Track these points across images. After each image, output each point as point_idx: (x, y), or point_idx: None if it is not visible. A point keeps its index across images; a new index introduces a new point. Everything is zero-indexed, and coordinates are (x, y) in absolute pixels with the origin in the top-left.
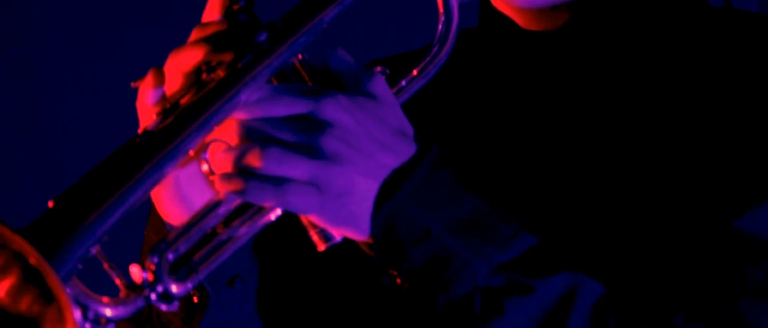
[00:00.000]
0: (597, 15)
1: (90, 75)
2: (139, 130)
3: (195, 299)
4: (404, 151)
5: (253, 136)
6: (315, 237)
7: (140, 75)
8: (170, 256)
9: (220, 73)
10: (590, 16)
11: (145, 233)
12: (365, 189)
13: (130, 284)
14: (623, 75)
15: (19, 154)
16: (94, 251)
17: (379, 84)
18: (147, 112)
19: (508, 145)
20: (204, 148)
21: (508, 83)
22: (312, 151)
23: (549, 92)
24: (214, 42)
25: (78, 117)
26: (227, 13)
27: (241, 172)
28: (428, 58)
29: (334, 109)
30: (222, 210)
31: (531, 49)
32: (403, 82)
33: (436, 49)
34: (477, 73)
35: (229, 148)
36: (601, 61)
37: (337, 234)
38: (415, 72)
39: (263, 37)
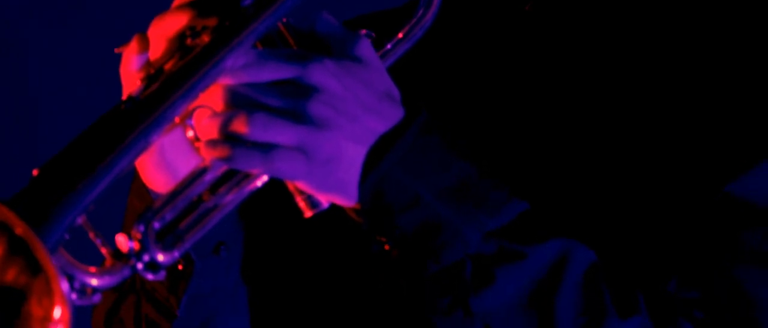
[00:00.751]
0: None
1: (76, 47)
2: (124, 97)
3: (180, 267)
4: (392, 115)
5: (239, 101)
6: (301, 203)
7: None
8: (156, 224)
9: (205, 38)
10: None
11: (128, 199)
12: (353, 154)
13: (117, 253)
14: (614, 32)
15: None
16: (80, 220)
17: (365, 47)
18: (131, 78)
19: (497, 106)
20: (189, 114)
21: (494, 42)
22: (299, 116)
23: (537, 50)
24: (198, 6)
25: (62, 90)
26: None
27: (227, 138)
28: (413, 21)
29: (321, 74)
30: (208, 177)
31: (517, 5)
32: (389, 46)
33: (421, 11)
34: (462, 32)
35: (215, 114)
36: (592, 16)
37: (325, 200)
38: (400, 35)
39: (248, 1)
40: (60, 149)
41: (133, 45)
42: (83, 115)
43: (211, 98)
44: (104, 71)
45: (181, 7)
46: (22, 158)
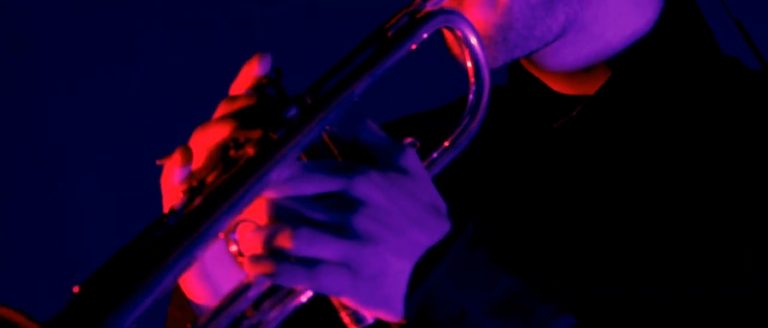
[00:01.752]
0: (633, 80)
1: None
2: (165, 210)
3: None
4: (438, 228)
5: (283, 215)
6: (346, 319)
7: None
8: None
9: (249, 150)
10: (625, 82)
11: (169, 310)
12: (399, 269)
13: None
14: (658, 143)
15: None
16: None
17: (410, 158)
18: (173, 190)
19: (543, 217)
20: (233, 228)
21: (540, 150)
22: (344, 231)
23: (582, 159)
24: (241, 118)
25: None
26: (256, 87)
27: (272, 253)
28: (459, 129)
29: (366, 187)
30: (252, 293)
31: (564, 114)
32: (435, 154)
33: (466, 120)
34: (508, 138)
35: (259, 228)
36: (639, 128)
37: (370, 316)
38: (446, 144)
39: (292, 112)
40: (101, 264)
41: (176, 157)
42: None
43: (255, 212)
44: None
45: (223, 118)
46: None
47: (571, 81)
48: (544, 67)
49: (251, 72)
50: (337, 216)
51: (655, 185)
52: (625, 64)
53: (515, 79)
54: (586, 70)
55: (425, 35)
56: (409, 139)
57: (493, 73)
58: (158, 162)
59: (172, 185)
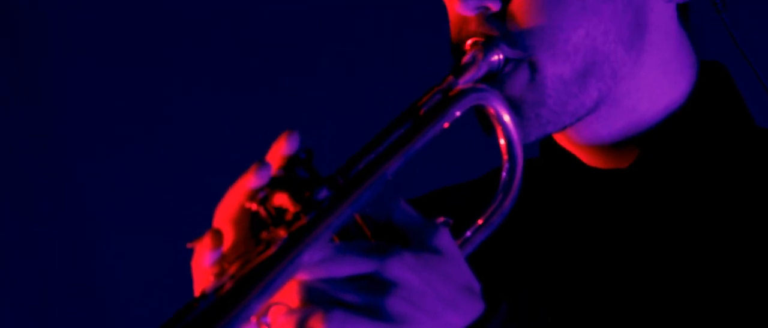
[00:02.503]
0: (665, 156)
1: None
2: (197, 293)
3: None
4: (472, 309)
5: (315, 298)
6: None
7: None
8: None
9: (281, 233)
10: (659, 156)
11: None
12: None
13: None
14: (695, 217)
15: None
16: None
17: (443, 238)
18: (203, 273)
19: (579, 295)
20: (265, 311)
21: (573, 225)
22: (377, 313)
23: (618, 235)
24: (271, 198)
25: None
26: (286, 166)
27: None
28: (492, 208)
29: (399, 268)
30: None
31: (598, 188)
32: (468, 233)
33: (500, 197)
34: (541, 213)
35: (291, 311)
36: (675, 204)
37: None
38: (479, 221)
39: (324, 193)
40: None
41: (207, 241)
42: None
43: (287, 294)
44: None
45: (250, 196)
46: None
47: (605, 155)
48: (577, 141)
49: (280, 151)
50: (370, 298)
51: (691, 263)
52: (658, 139)
53: (548, 154)
54: (620, 144)
55: (458, 113)
56: (441, 219)
57: (527, 145)
58: (189, 245)
59: (203, 268)
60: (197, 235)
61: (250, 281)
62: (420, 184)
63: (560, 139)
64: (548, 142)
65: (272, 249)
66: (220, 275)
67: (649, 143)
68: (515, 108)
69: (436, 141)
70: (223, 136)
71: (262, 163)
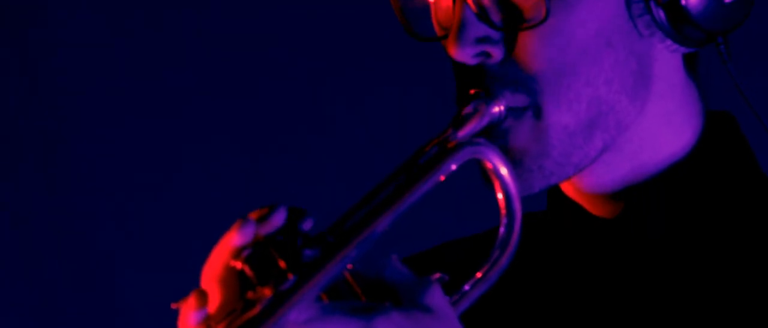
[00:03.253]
0: (660, 204)
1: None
2: None
3: None
4: None
5: None
6: None
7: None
8: None
9: (266, 292)
10: (651, 206)
11: None
12: None
13: None
14: (699, 274)
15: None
16: None
17: (435, 296)
18: None
19: None
20: None
21: (575, 281)
22: None
23: (620, 292)
24: (258, 258)
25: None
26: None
27: None
28: (489, 264)
29: None
30: None
31: (599, 238)
32: (466, 288)
33: (496, 253)
34: (544, 269)
35: None
36: (669, 254)
37: None
38: (476, 277)
39: (311, 252)
40: None
41: (191, 301)
42: None
43: None
44: None
45: (235, 255)
46: None
47: (610, 203)
48: (581, 188)
49: (266, 227)
50: None
51: (695, 321)
52: (656, 188)
53: (553, 203)
54: (623, 193)
55: (454, 167)
56: (436, 275)
57: (534, 196)
58: (173, 306)
59: None
60: (207, 239)
61: None
62: (426, 234)
63: (565, 186)
64: (554, 191)
65: (257, 308)
66: None
67: (646, 193)
68: (518, 160)
69: (440, 190)
70: (232, 139)
71: (246, 220)
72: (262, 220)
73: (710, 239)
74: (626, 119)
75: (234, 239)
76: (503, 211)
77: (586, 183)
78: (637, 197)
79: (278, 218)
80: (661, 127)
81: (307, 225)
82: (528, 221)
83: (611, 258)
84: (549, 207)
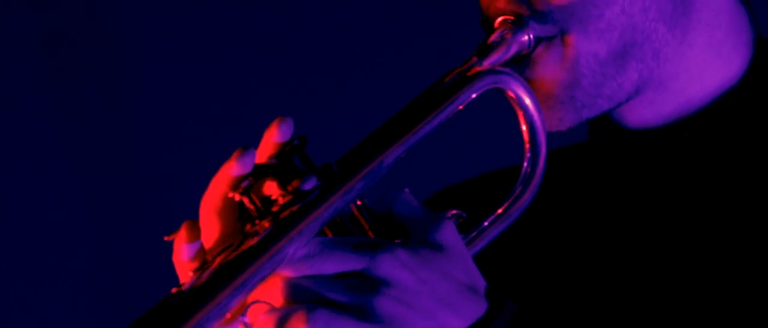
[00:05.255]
0: (716, 138)
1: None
2: (174, 289)
3: None
4: (472, 311)
5: (299, 296)
6: None
7: None
8: None
9: (266, 224)
10: (702, 144)
11: None
12: None
13: None
14: (746, 216)
15: None
16: None
17: (447, 233)
18: (184, 268)
19: (604, 298)
20: (244, 309)
21: (612, 219)
22: (364, 313)
23: (659, 233)
24: (258, 186)
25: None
26: (278, 154)
27: None
28: (510, 201)
29: (392, 266)
30: None
31: (642, 172)
32: (485, 224)
33: (518, 190)
34: (579, 204)
35: (272, 309)
36: (722, 199)
37: None
38: (495, 214)
39: (315, 183)
40: None
41: (183, 233)
42: None
43: (270, 290)
44: None
45: (233, 184)
46: None
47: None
48: (624, 127)
49: (271, 138)
50: (357, 297)
51: (743, 263)
52: (709, 122)
53: (596, 135)
54: (669, 129)
55: (474, 96)
56: (453, 211)
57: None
58: (166, 238)
59: (183, 262)
60: None
61: (227, 273)
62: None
63: (606, 127)
64: (596, 122)
65: (254, 242)
66: (201, 269)
67: (699, 127)
68: (547, 90)
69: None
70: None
71: (245, 149)
72: (268, 134)
73: (761, 171)
74: (665, 49)
75: (233, 168)
76: (527, 144)
77: (630, 121)
78: (683, 131)
79: (285, 129)
80: (707, 58)
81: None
82: (561, 154)
83: (655, 192)
84: (590, 138)
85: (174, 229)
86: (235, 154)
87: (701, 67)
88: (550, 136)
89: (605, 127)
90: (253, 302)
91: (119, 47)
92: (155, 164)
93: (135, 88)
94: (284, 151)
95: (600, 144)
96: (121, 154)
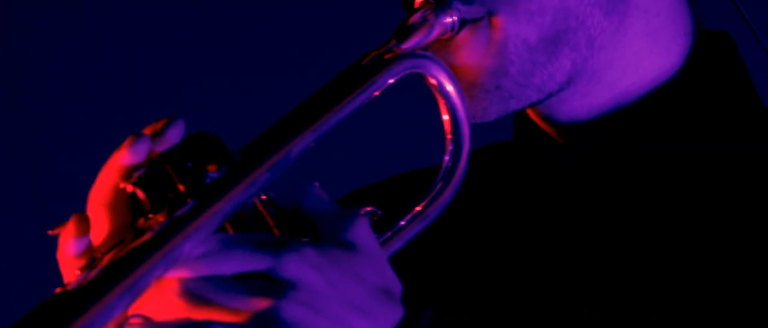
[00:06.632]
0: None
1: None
2: (58, 289)
3: None
4: (387, 316)
5: (195, 300)
6: None
7: None
8: None
9: (160, 218)
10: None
11: None
12: None
13: None
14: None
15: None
16: None
17: (360, 231)
18: (70, 265)
19: (528, 302)
20: (125, 321)
21: (538, 220)
22: (268, 320)
23: (587, 233)
24: (153, 177)
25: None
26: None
27: None
28: (429, 198)
29: (299, 267)
30: None
31: (571, 171)
32: (402, 222)
33: (439, 186)
34: (499, 204)
35: (151, 324)
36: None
37: None
38: (417, 209)
39: (216, 174)
40: None
41: (70, 228)
42: None
43: (163, 295)
44: None
45: (126, 174)
46: None
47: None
48: (554, 120)
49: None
50: (260, 301)
51: (669, 263)
52: (643, 117)
53: (521, 131)
54: (600, 122)
55: (391, 81)
56: (367, 208)
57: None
58: (51, 232)
59: (68, 259)
60: None
61: (115, 274)
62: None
63: (535, 117)
64: (521, 116)
65: (147, 238)
66: (89, 267)
67: (632, 122)
68: (473, 78)
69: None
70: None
71: (138, 136)
72: (157, 135)
73: (694, 170)
74: (600, 37)
75: (124, 157)
76: (449, 136)
77: (560, 114)
78: (614, 125)
79: (175, 132)
80: (643, 46)
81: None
82: (487, 152)
83: (579, 193)
84: (515, 137)
85: (62, 222)
86: (126, 142)
87: (637, 57)
88: (474, 129)
89: (532, 120)
90: (132, 316)
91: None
92: (42, 157)
93: (31, 84)
94: (183, 141)
95: (526, 140)
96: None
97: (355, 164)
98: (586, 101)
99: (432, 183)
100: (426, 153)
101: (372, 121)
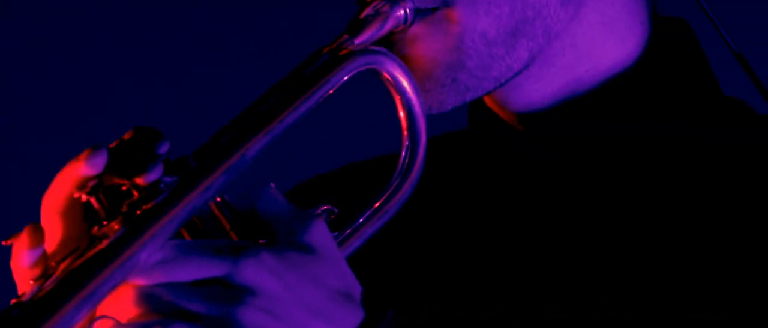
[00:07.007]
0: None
1: None
2: (13, 300)
3: None
4: (347, 320)
5: (152, 307)
6: None
7: None
8: None
9: (115, 226)
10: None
11: None
12: None
13: None
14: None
15: None
16: None
17: (317, 233)
18: (24, 276)
19: (494, 302)
20: (90, 324)
21: (499, 214)
22: (226, 325)
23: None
24: (107, 184)
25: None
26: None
27: None
28: (387, 195)
29: (256, 272)
30: None
31: (527, 159)
32: (360, 220)
33: (396, 182)
34: (455, 199)
35: (119, 325)
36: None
37: None
38: (375, 206)
39: (170, 179)
40: None
41: (24, 238)
42: None
43: (120, 302)
44: None
45: (80, 183)
46: None
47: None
48: (508, 106)
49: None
50: (217, 307)
51: (629, 255)
52: (597, 105)
53: (476, 121)
54: (554, 111)
55: (346, 78)
56: (324, 207)
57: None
58: (4, 243)
59: (22, 269)
60: None
61: (71, 284)
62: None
63: (489, 101)
64: (477, 104)
65: (103, 245)
66: (43, 277)
67: (587, 110)
68: (428, 72)
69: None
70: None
71: (97, 148)
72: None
73: (655, 157)
74: (556, 26)
75: (81, 168)
76: (405, 131)
77: (513, 100)
78: (568, 113)
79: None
80: (599, 35)
81: (164, 149)
82: (442, 142)
83: (539, 181)
84: (470, 124)
85: (16, 232)
86: (85, 154)
87: (592, 45)
88: (431, 117)
89: (488, 107)
90: (100, 317)
91: None
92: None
93: None
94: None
95: (483, 129)
96: None
97: (311, 159)
98: (540, 85)
99: (389, 178)
100: (383, 145)
101: (325, 114)
